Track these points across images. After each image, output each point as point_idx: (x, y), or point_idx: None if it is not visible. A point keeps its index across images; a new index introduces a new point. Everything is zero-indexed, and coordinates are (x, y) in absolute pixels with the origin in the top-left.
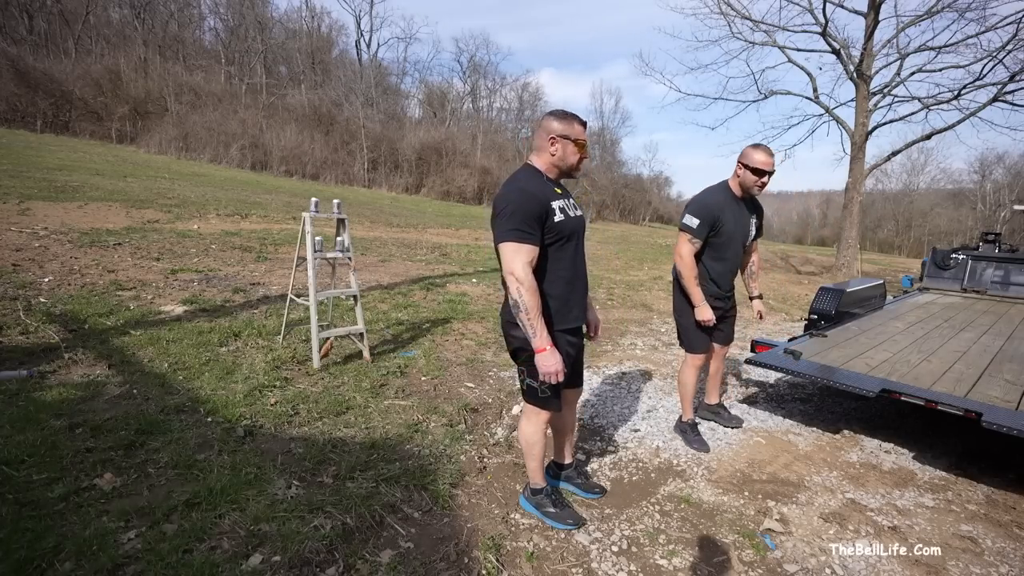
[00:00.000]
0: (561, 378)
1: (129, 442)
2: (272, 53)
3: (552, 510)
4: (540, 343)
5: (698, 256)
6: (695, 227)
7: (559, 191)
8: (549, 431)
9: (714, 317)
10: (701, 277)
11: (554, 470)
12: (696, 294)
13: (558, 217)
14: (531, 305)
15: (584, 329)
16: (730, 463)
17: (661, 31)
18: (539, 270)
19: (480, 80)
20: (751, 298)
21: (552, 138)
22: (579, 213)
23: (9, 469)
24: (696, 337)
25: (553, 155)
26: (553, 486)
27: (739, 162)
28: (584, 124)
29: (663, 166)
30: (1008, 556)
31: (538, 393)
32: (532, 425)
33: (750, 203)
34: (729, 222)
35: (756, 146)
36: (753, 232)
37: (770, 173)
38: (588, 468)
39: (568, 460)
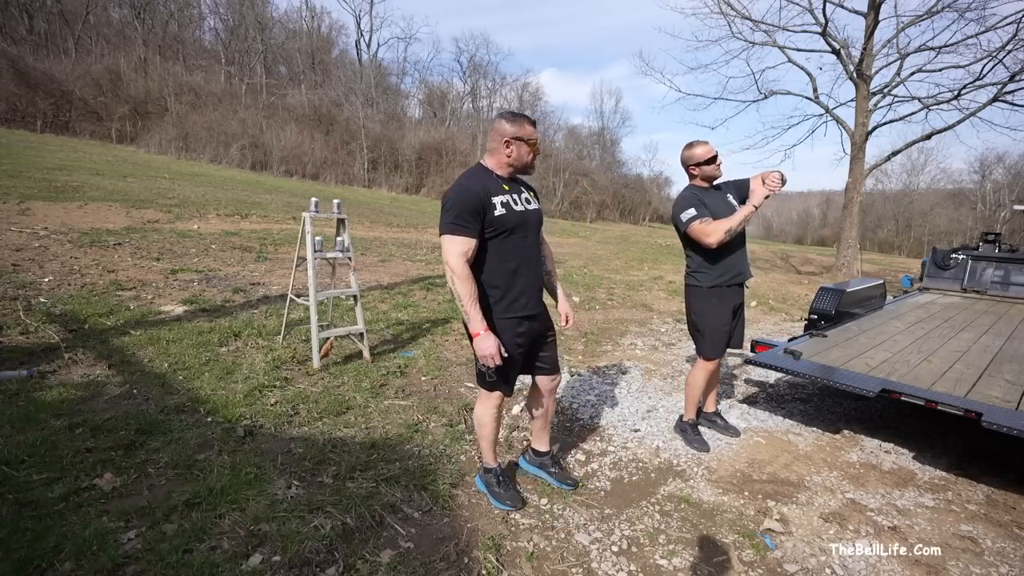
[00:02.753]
0: (497, 360)
1: (129, 442)
2: (272, 53)
3: (497, 490)
4: (475, 327)
5: (706, 250)
6: (696, 211)
7: (507, 187)
8: (524, 418)
9: (780, 175)
10: (705, 271)
11: (531, 456)
12: (747, 212)
13: (498, 211)
14: (463, 293)
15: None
16: (730, 463)
17: (661, 31)
18: (481, 261)
19: (480, 80)
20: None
21: (506, 140)
22: (533, 207)
23: (9, 469)
24: (712, 342)
25: (509, 156)
26: (529, 473)
27: (691, 166)
28: (534, 124)
29: (663, 166)
30: (1008, 556)
31: (486, 377)
32: (483, 407)
33: (717, 187)
34: (715, 208)
35: (690, 145)
36: (735, 204)
37: (717, 154)
38: (589, 468)
39: (545, 448)
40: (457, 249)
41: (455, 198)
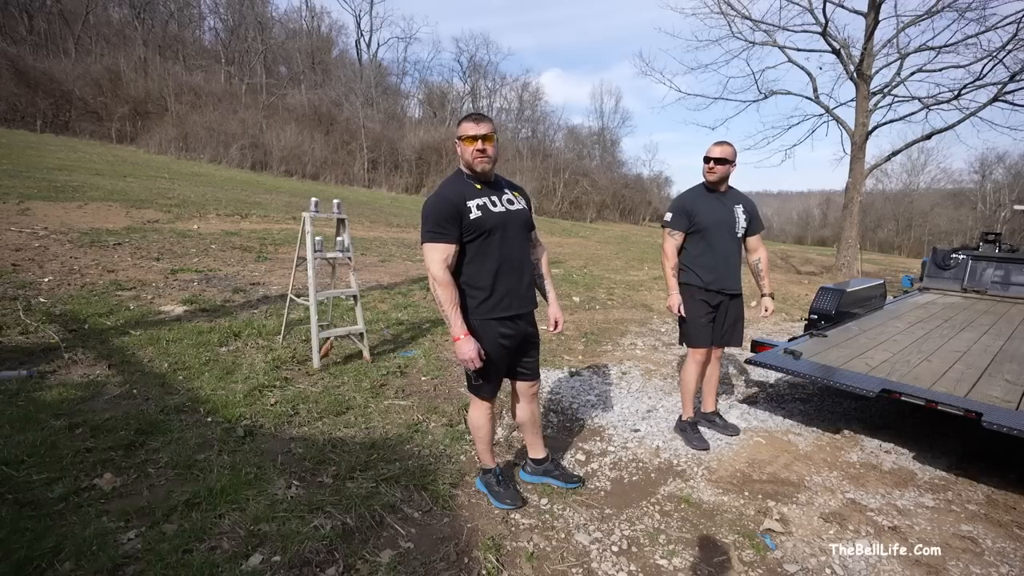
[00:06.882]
0: (477, 364)
1: (129, 442)
2: (272, 53)
3: (497, 489)
4: (455, 332)
5: (684, 250)
6: (669, 220)
7: (483, 189)
8: (514, 423)
9: (676, 305)
10: (686, 269)
11: (531, 466)
12: (670, 283)
13: (474, 214)
14: (444, 299)
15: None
16: (730, 463)
17: (661, 31)
18: (464, 264)
19: (480, 80)
20: (761, 295)
21: (455, 141)
22: (516, 207)
23: (9, 469)
24: (693, 332)
25: (460, 156)
26: (533, 483)
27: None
28: (476, 120)
29: (663, 166)
30: (1008, 556)
31: (472, 381)
32: (476, 411)
33: (732, 196)
34: (703, 213)
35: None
36: (742, 222)
37: (717, 160)
38: (589, 468)
39: (541, 454)
40: (437, 256)
41: (431, 207)
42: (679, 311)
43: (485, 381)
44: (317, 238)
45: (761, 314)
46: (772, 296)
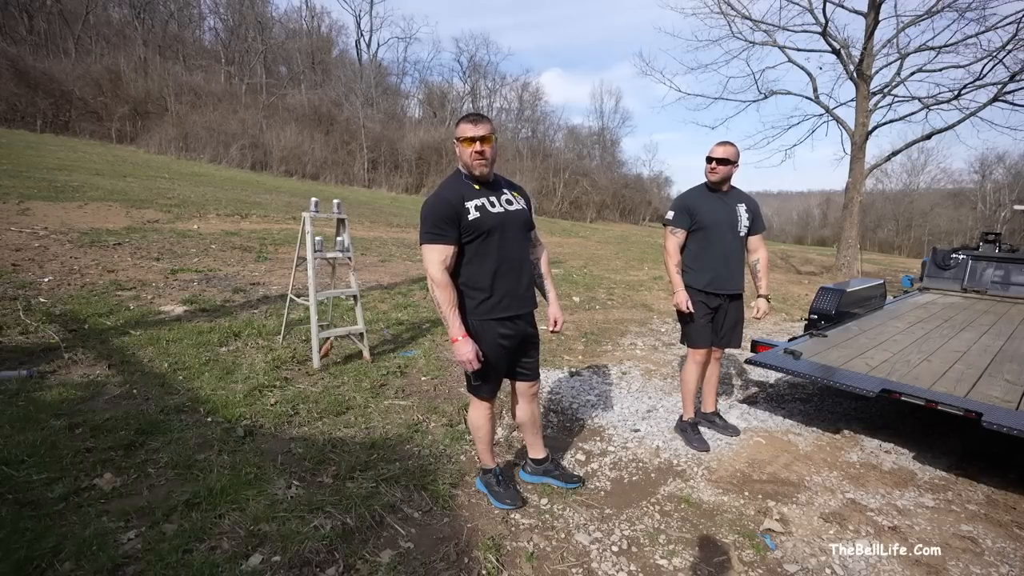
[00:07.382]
0: (476, 365)
1: (129, 442)
2: (272, 53)
3: (497, 489)
4: (453, 333)
5: (685, 249)
6: (671, 218)
7: (481, 190)
8: (514, 422)
9: (684, 302)
10: (687, 269)
11: (531, 466)
12: (674, 280)
13: (472, 215)
14: (442, 300)
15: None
16: (730, 463)
17: (662, 31)
18: (462, 265)
19: (480, 80)
20: (757, 295)
21: (453, 141)
22: (515, 207)
23: (9, 469)
24: (694, 332)
25: (459, 157)
26: (533, 483)
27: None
28: (474, 122)
29: (663, 166)
30: (1008, 556)
31: (471, 382)
32: (476, 411)
33: (735, 195)
34: (705, 212)
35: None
36: (745, 221)
37: (719, 160)
38: (589, 468)
39: (541, 455)
40: (436, 258)
41: (429, 208)
42: (687, 307)
43: (484, 382)
44: (317, 238)
45: (752, 315)
46: (768, 299)
